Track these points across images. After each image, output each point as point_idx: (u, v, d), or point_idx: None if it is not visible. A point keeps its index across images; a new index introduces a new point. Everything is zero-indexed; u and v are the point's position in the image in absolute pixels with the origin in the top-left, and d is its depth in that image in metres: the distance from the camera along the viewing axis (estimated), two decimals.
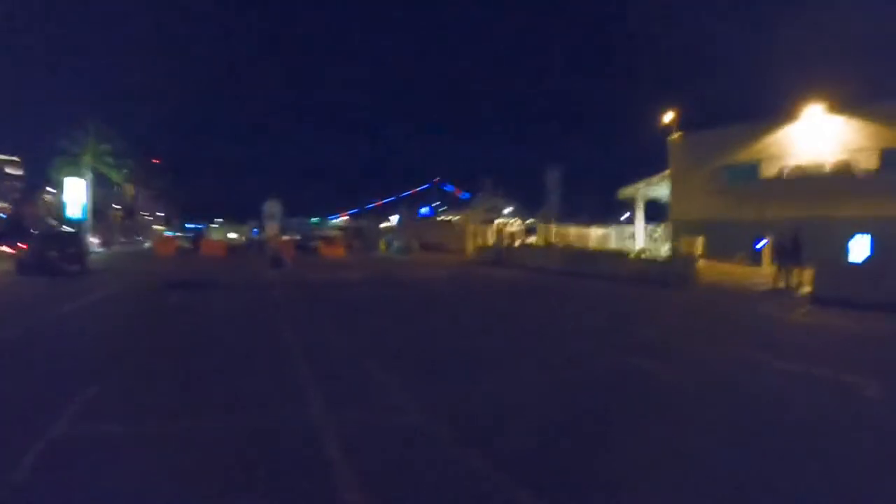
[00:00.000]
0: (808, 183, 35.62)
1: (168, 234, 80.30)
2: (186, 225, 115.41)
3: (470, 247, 51.07)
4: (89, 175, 62.35)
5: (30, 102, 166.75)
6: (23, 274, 25.80)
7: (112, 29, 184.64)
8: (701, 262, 29.23)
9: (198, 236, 69.19)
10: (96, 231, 76.33)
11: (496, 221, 65.00)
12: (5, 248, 39.17)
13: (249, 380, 8.13)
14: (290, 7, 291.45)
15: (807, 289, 20.25)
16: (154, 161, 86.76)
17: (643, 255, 31.15)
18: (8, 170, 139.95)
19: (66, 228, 37.93)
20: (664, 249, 42.60)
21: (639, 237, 47.68)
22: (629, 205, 52.37)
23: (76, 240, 33.09)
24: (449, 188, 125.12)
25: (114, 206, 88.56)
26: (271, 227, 33.21)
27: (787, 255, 22.32)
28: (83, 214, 64.27)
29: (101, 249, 64.78)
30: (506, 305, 18.49)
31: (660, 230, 47.17)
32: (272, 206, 31.66)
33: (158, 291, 20.24)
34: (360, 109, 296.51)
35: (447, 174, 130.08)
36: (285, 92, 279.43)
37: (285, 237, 74.55)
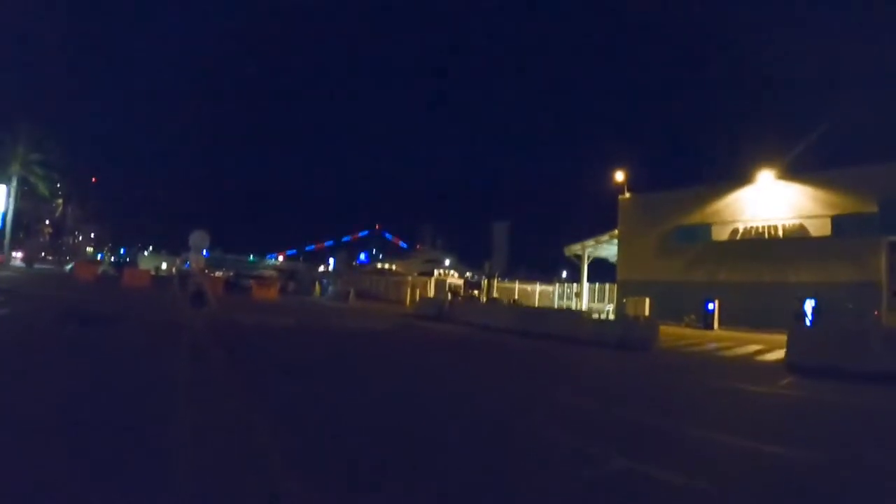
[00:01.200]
0: (760, 246, 35.53)
1: (92, 258, 76.43)
2: (122, 250, 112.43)
3: (409, 298, 49.18)
4: (14, 183, 59.07)
5: None
6: None
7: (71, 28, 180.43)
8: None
9: (121, 264, 66.38)
10: (19, 245, 73.79)
11: (436, 272, 63.76)
12: None
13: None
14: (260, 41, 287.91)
15: (774, 355, 19.40)
16: (92, 179, 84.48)
17: (594, 315, 29.84)
18: None
19: None
20: (608, 309, 41.76)
21: (584, 296, 46.57)
22: (572, 263, 51.59)
23: None
24: (388, 236, 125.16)
25: (46, 222, 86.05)
26: (196, 260, 30.30)
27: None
28: (1, 224, 60.91)
29: (20, 265, 61.65)
30: (458, 374, 14.47)
31: (607, 289, 46.20)
32: (198, 238, 28.86)
33: (58, 321, 17.48)
34: (309, 150, 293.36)
35: (387, 222, 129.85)
36: (238, 122, 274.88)
37: (218, 273, 72.44)
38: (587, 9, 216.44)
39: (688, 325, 33.15)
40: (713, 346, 24.14)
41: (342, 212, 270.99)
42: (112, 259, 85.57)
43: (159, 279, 51.48)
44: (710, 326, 32.55)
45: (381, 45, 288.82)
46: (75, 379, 9.40)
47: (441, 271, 67.46)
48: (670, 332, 28.61)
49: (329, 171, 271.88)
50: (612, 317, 37.84)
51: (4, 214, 60.18)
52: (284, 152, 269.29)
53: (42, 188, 63.70)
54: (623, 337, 22.79)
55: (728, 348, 23.08)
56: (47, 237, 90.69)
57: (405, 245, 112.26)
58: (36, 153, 60.42)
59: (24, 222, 73.15)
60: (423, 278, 60.74)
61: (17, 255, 69.73)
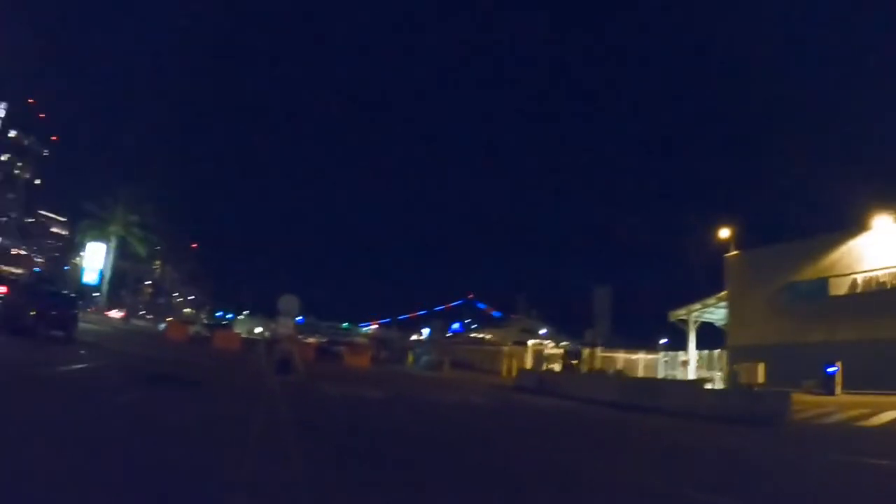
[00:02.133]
0: (883, 297, 32.27)
1: (186, 319, 77.73)
2: (217, 313, 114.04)
3: (505, 369, 47.45)
4: (113, 243, 61.83)
5: (84, 164, 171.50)
6: None
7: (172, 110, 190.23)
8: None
9: (214, 326, 66.83)
10: (119, 303, 76.70)
11: (530, 343, 61.92)
12: None
13: None
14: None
15: None
16: (192, 246, 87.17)
17: (707, 386, 27.43)
18: (54, 229, 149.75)
19: (64, 291, 35.23)
20: (717, 377, 38.99)
21: (692, 364, 43.74)
22: (673, 329, 48.71)
23: (68, 304, 29.83)
24: (481, 305, 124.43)
25: (146, 282, 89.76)
26: (284, 326, 29.21)
27: None
28: (98, 281, 63.12)
29: (118, 321, 62.92)
30: (580, 464, 11.23)
31: (716, 356, 43.26)
32: (287, 303, 27.89)
33: (124, 382, 16.25)
34: (402, 222, 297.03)
35: (480, 290, 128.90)
36: (338, 200, 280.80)
37: (311, 339, 72.26)
38: (687, 65, 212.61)
39: (808, 391, 30.06)
40: (843, 415, 21.49)
41: (435, 281, 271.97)
42: (206, 321, 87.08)
43: (251, 342, 51.25)
44: (832, 391, 29.38)
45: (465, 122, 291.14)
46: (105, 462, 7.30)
47: (536, 340, 65.39)
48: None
49: (421, 241, 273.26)
50: (721, 385, 35.17)
51: (102, 272, 63.57)
52: (379, 224, 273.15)
53: (140, 249, 66.74)
54: (749, 410, 20.57)
55: (863, 417, 20.50)
56: (147, 296, 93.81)
57: (498, 314, 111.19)
58: (135, 215, 62.98)
59: (125, 281, 76.41)
60: (519, 348, 59.05)
61: (116, 312, 71.88)
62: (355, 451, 10.22)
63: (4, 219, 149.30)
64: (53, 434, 8.36)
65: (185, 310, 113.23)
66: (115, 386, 15.04)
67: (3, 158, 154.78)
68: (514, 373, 43.42)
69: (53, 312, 25.77)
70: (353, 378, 30.32)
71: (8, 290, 27.44)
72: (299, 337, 76.21)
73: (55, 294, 31.55)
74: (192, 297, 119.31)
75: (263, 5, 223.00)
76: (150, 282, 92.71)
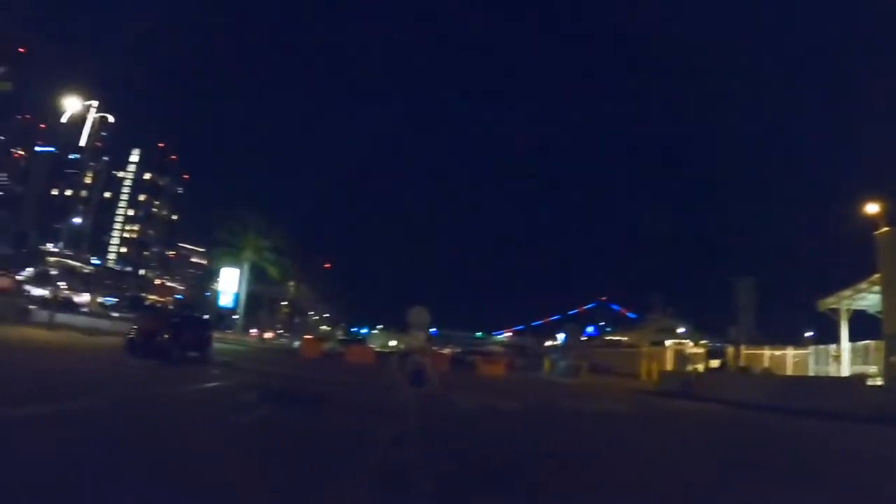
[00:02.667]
0: None
1: (321, 335, 79.74)
2: (353, 329, 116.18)
3: (644, 371, 45.99)
4: (246, 268, 65.47)
5: (216, 197, 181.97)
6: (134, 355, 23.63)
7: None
8: None
9: (349, 341, 68.51)
10: (257, 323, 79.90)
11: (668, 343, 59.85)
12: None
13: None
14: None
15: None
16: (325, 266, 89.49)
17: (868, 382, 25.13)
18: (194, 259, 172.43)
19: (199, 314, 36.45)
20: (874, 371, 35.66)
21: (845, 358, 40.22)
22: (820, 321, 45.00)
23: (202, 326, 31.33)
24: (615, 307, 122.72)
25: (282, 303, 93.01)
26: (416, 337, 28.92)
27: None
28: (234, 303, 67.82)
29: (254, 340, 65.19)
30: (747, 484, 9.33)
31: (872, 347, 39.61)
32: (417, 315, 27.56)
33: (254, 399, 15.80)
34: (532, 227, 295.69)
35: (613, 292, 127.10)
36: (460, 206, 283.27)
37: (445, 350, 72.28)
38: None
39: None
40: None
41: (567, 285, 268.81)
42: (341, 336, 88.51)
43: (384, 356, 51.66)
44: None
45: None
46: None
47: (675, 340, 63.22)
48: None
49: (552, 245, 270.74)
50: (880, 381, 32.20)
51: (237, 295, 67.21)
52: (510, 231, 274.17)
53: (273, 272, 69.54)
54: None
55: None
56: (284, 316, 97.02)
57: (633, 315, 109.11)
58: (266, 240, 66.34)
59: (261, 302, 79.71)
60: (656, 349, 57.64)
61: (255, 332, 74.92)
62: (486, 470, 9.33)
63: (147, 253, 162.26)
64: (178, 451, 8.54)
65: (322, 327, 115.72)
66: (243, 403, 14.79)
67: (141, 198, 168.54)
68: (653, 375, 41.91)
69: (187, 335, 26.89)
70: (488, 388, 29.81)
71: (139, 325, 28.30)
72: (434, 348, 76.55)
73: (189, 317, 32.73)
74: (328, 314, 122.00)
75: None
76: (286, 302, 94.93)
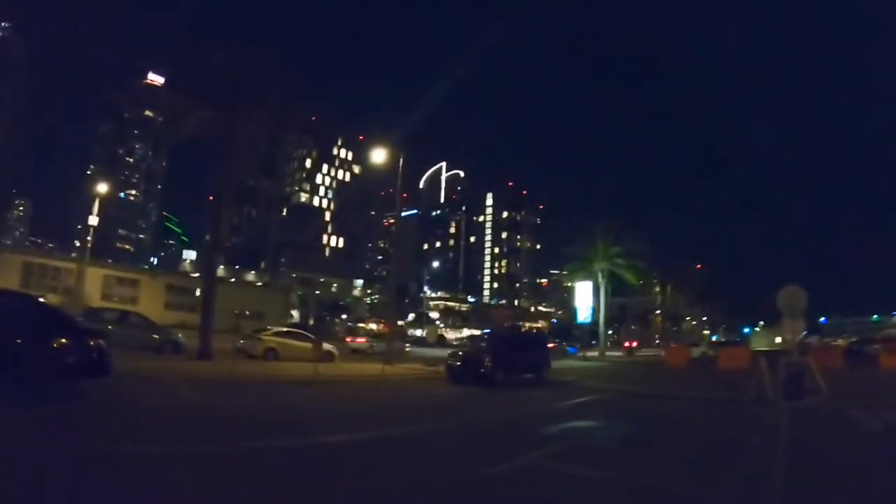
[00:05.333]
0: None
1: (695, 341, 72.04)
2: (743, 329, 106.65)
3: None
4: (600, 278, 62.65)
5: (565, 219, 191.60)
6: (455, 383, 23.21)
7: None
8: None
9: (723, 344, 62.47)
10: (626, 336, 76.70)
11: None
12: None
13: None
14: None
15: None
16: (697, 266, 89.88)
17: None
18: (567, 283, 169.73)
19: (533, 332, 33.59)
20: None
21: None
22: None
23: (536, 344, 30.02)
24: None
25: (655, 311, 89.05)
26: (789, 329, 20.91)
27: None
28: (591, 318, 67.87)
29: (620, 355, 62.94)
30: None
31: None
32: (789, 297, 19.78)
33: (547, 434, 12.06)
34: None
35: None
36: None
37: (839, 341, 60.78)
38: None
39: None
40: None
41: None
42: (720, 338, 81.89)
43: (756, 357, 43.46)
44: None
45: None
46: None
47: None
48: None
49: None
50: None
51: (593, 309, 65.86)
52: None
53: (628, 276, 64.69)
54: None
55: None
56: (658, 325, 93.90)
57: None
58: (616, 247, 62.46)
59: (626, 313, 76.40)
60: None
61: (626, 345, 72.68)
62: None
63: (518, 284, 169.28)
64: None
65: (703, 331, 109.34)
66: (500, 450, 10.04)
67: (503, 236, 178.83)
68: None
69: (514, 356, 25.33)
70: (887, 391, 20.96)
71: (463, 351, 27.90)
72: (825, 341, 64.49)
73: (521, 337, 30.15)
74: (704, 317, 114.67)
75: None
76: (658, 311, 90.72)
